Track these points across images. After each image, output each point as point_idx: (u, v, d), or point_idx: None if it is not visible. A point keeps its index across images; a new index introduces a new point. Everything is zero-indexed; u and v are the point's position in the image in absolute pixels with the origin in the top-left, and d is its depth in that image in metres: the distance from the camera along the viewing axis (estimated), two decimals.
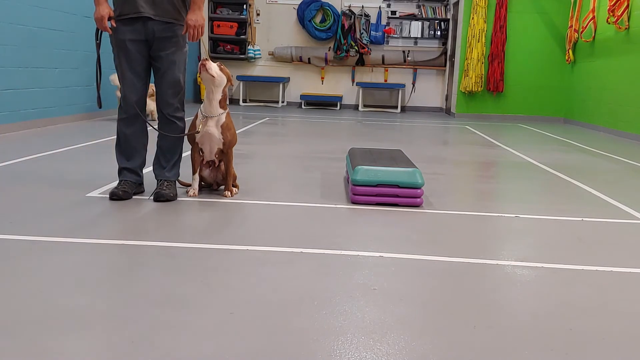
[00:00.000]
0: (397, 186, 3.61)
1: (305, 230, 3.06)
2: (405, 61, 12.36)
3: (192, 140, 3.65)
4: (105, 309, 1.99)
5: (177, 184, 3.84)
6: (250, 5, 12.26)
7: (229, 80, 3.62)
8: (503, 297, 2.26)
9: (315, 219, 3.30)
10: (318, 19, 12.36)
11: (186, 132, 3.68)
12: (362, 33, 12.23)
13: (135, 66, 3.49)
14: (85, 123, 7.64)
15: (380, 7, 12.33)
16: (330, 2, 12.24)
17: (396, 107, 12.48)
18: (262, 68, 12.70)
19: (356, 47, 12.19)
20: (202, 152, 3.68)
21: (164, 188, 3.55)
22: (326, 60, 12.39)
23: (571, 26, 10.45)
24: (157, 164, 3.68)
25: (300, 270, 2.46)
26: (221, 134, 3.59)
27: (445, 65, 12.38)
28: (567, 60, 10.69)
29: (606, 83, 9.21)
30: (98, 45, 3.54)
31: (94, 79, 7.98)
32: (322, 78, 12.65)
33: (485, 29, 10.86)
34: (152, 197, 3.56)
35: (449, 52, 12.19)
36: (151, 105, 6.75)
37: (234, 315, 1.98)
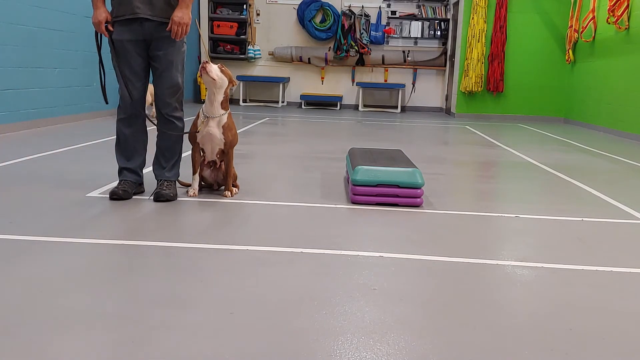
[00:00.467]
0: (397, 186, 3.61)
1: (305, 230, 3.06)
2: (405, 61, 12.36)
3: (193, 140, 3.65)
4: (105, 309, 1.99)
5: (177, 184, 3.84)
6: (250, 5, 12.26)
7: (230, 81, 3.62)
8: (503, 297, 2.26)
9: (315, 219, 3.30)
10: (318, 19, 12.35)
11: (188, 131, 3.68)
12: (362, 33, 12.23)
13: (134, 66, 3.50)
14: (86, 123, 7.64)
15: (380, 7, 12.33)
16: (330, 2, 12.24)
17: (396, 107, 12.48)
18: (262, 68, 12.70)
19: (356, 47, 12.19)
20: (204, 153, 3.68)
21: (164, 188, 3.55)
22: (326, 60, 12.39)
23: (571, 26, 10.45)
24: (156, 164, 3.68)
25: (300, 270, 2.46)
26: (222, 134, 3.59)
27: (445, 65, 12.38)
28: (567, 60, 10.69)
29: (606, 83, 9.21)
30: (99, 47, 3.55)
31: (94, 79, 8.01)
32: (322, 78, 12.65)
33: (485, 29, 10.87)
34: (152, 197, 3.56)
35: (449, 52, 12.19)
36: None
37: (234, 315, 1.98)
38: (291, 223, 3.19)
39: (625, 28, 8.41)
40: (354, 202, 3.67)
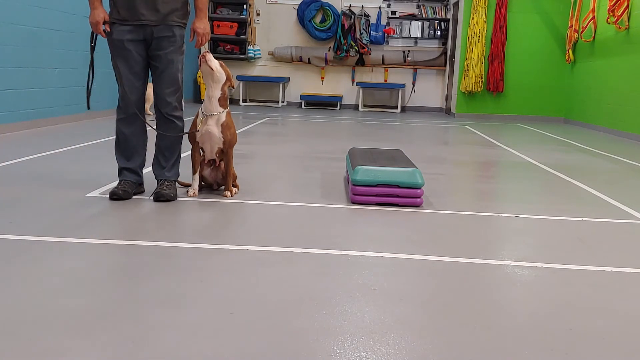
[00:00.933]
0: (397, 186, 3.61)
1: (305, 230, 3.06)
2: (405, 61, 12.36)
3: (192, 140, 3.65)
4: (105, 309, 1.99)
5: (177, 184, 3.84)
6: (250, 5, 12.26)
7: (229, 79, 3.61)
8: (503, 297, 2.26)
9: (315, 219, 3.30)
10: (318, 19, 12.36)
11: (187, 131, 3.68)
12: (362, 33, 12.23)
13: (134, 66, 3.49)
14: (86, 123, 7.64)
15: (380, 7, 12.33)
16: (330, 2, 12.24)
17: (396, 107, 12.48)
18: (262, 68, 12.70)
19: (356, 47, 12.19)
20: (203, 152, 3.68)
21: (164, 188, 3.55)
22: (326, 60, 12.39)
23: (571, 26, 10.45)
24: (156, 163, 3.68)
25: (300, 270, 2.46)
26: (221, 132, 3.59)
27: (445, 65, 12.38)
28: (567, 60, 10.69)
29: (606, 83, 9.21)
30: (92, 48, 3.55)
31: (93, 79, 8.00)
32: (322, 78, 12.65)
33: (485, 29, 10.87)
34: (152, 197, 3.56)
35: (449, 52, 12.19)
36: None
37: (234, 315, 1.98)
38: (291, 223, 3.19)
39: (625, 28, 8.41)
40: (354, 202, 3.67)
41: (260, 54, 12.58)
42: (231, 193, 3.71)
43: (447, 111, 12.24)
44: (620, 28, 8.50)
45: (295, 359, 1.71)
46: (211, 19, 12.32)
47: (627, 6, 8.31)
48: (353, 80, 12.63)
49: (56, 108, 7.29)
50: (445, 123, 10.06)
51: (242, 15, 12.25)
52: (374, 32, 12.24)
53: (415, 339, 1.87)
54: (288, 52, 12.42)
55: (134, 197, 3.60)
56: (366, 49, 12.20)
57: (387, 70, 12.57)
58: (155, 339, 1.79)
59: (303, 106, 12.46)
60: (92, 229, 2.92)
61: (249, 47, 12.42)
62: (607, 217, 3.59)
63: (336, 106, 12.56)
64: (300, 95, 12.41)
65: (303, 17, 12.22)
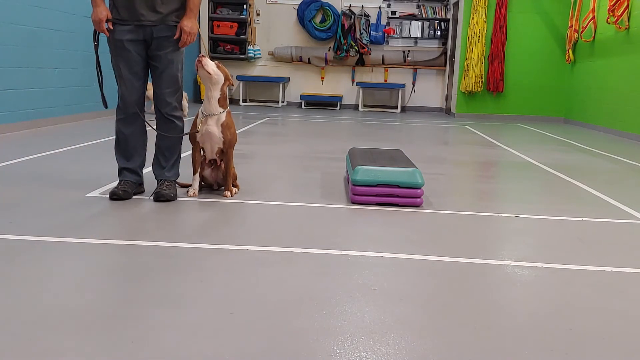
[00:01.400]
0: (397, 186, 3.61)
1: (305, 230, 3.06)
2: (405, 61, 12.36)
3: (193, 140, 3.64)
4: (105, 309, 1.99)
5: (177, 185, 3.85)
6: (250, 5, 12.26)
7: (227, 79, 3.61)
8: (503, 297, 2.26)
9: (315, 219, 3.30)
10: (318, 19, 12.36)
11: (188, 132, 3.68)
12: (362, 33, 12.23)
13: (134, 66, 3.49)
14: (85, 123, 7.64)
15: (380, 7, 12.33)
16: (330, 2, 12.24)
17: (396, 107, 12.48)
18: (262, 68, 12.71)
19: (356, 47, 12.19)
20: (204, 151, 3.68)
21: (164, 188, 3.55)
22: (326, 60, 12.39)
23: (571, 26, 10.45)
24: (156, 163, 3.68)
25: (300, 270, 2.46)
26: (221, 132, 3.58)
27: (445, 65, 12.38)
28: (567, 61, 10.70)
29: (606, 83, 9.21)
30: (96, 47, 3.55)
31: (93, 79, 8.00)
32: (322, 78, 12.65)
33: (485, 29, 10.87)
34: (152, 197, 3.56)
35: (449, 52, 12.19)
36: None
37: (234, 315, 1.98)
38: (291, 223, 3.19)
39: (625, 28, 8.41)
40: (354, 202, 3.67)
41: (260, 54, 12.58)
42: (231, 193, 3.71)
43: (447, 111, 12.24)
44: (620, 28, 8.50)
45: (295, 359, 1.71)
46: (211, 19, 12.33)
47: (627, 6, 8.31)
48: (353, 80, 12.63)
49: (56, 108, 7.29)
50: (445, 123, 10.06)
51: (242, 15, 12.25)
52: (374, 32, 12.24)
53: (415, 339, 1.87)
54: (288, 52, 12.42)
55: (134, 197, 3.60)
56: (366, 49, 12.20)
57: (387, 70, 12.57)
58: (155, 339, 1.79)
59: (303, 106, 12.46)
60: (92, 229, 2.92)
61: (249, 47, 12.42)
62: (607, 217, 3.59)
63: (336, 106, 12.56)
64: (300, 95, 12.41)
65: (303, 17, 12.22)
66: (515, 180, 4.76)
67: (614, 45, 8.90)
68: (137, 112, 3.55)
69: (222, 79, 3.58)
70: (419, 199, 3.64)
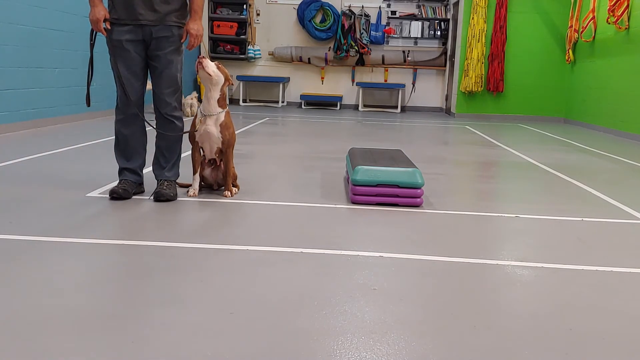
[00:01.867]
0: (397, 186, 3.61)
1: (305, 230, 3.06)
2: (405, 61, 12.36)
3: (192, 140, 3.65)
4: (105, 309, 1.99)
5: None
6: (250, 5, 12.26)
7: (227, 79, 3.62)
8: (503, 297, 2.26)
9: (315, 219, 3.30)
10: (318, 19, 12.36)
11: (186, 131, 3.68)
12: (362, 33, 12.23)
13: (133, 66, 3.49)
14: (85, 123, 7.64)
15: (380, 7, 12.33)
16: (330, 2, 12.24)
17: (396, 107, 12.48)
18: (262, 68, 12.70)
19: (356, 47, 12.19)
20: (203, 151, 3.68)
21: (164, 188, 3.55)
22: (326, 60, 12.39)
23: (571, 26, 10.45)
24: (156, 164, 3.67)
25: (300, 270, 2.46)
26: (220, 132, 3.58)
27: (445, 65, 12.38)
28: (567, 60, 10.70)
29: (606, 83, 9.21)
30: (92, 46, 3.53)
31: (94, 79, 8.00)
32: (322, 78, 12.65)
33: (485, 29, 10.87)
34: (152, 197, 3.56)
35: (449, 52, 12.19)
36: None
37: (234, 315, 1.98)
38: (291, 223, 3.19)
39: (625, 28, 8.41)
40: (354, 202, 3.67)
41: (260, 54, 12.58)
42: (231, 193, 3.71)
43: (447, 111, 12.24)
44: (620, 28, 8.50)
45: (295, 359, 1.71)
46: (211, 19, 12.33)
47: (627, 6, 8.31)
48: (353, 80, 12.63)
49: (56, 108, 7.29)
50: (445, 123, 10.06)
51: (242, 15, 12.25)
52: (374, 32, 12.24)
53: (415, 339, 1.87)
54: (288, 52, 12.42)
55: (134, 197, 3.59)
56: (366, 49, 12.20)
57: (387, 70, 12.57)
58: (155, 339, 1.79)
59: (303, 106, 12.46)
60: (92, 229, 2.92)
61: (249, 47, 12.42)
62: (607, 217, 3.59)
63: (336, 106, 12.56)
64: (300, 95, 12.41)
65: (303, 17, 12.22)
66: (515, 180, 4.76)
67: (614, 45, 8.90)
68: (136, 112, 3.55)
69: (222, 79, 3.58)
70: (419, 199, 3.64)
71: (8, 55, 6.26)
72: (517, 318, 2.06)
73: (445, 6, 12.33)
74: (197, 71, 3.53)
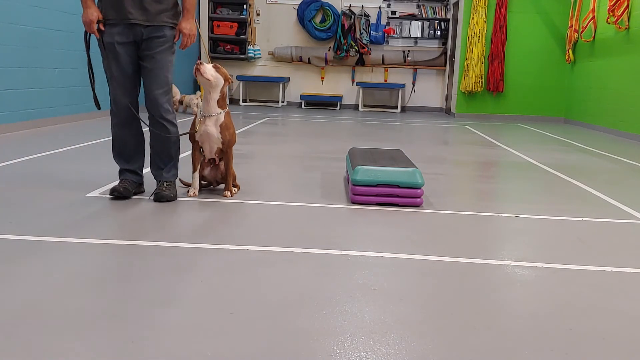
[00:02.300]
0: (397, 186, 3.61)
1: (305, 230, 3.06)
2: (405, 61, 12.36)
3: (192, 139, 3.64)
4: (105, 309, 1.99)
5: (179, 183, 3.85)
6: (250, 5, 12.27)
7: (226, 79, 3.61)
8: (503, 297, 2.26)
9: (315, 219, 3.30)
10: (318, 19, 12.36)
11: (186, 132, 3.68)
12: (362, 33, 12.23)
13: (126, 68, 3.45)
14: (85, 123, 7.64)
15: (380, 7, 12.33)
16: (330, 2, 12.24)
17: (396, 107, 12.48)
18: (262, 68, 12.71)
19: (356, 47, 12.19)
20: (203, 151, 3.68)
21: (164, 189, 3.54)
22: (326, 60, 12.39)
23: (571, 26, 10.45)
24: (154, 165, 3.66)
25: (300, 270, 2.46)
26: (220, 133, 3.58)
27: (445, 65, 12.38)
28: (567, 60, 10.70)
29: (606, 83, 9.21)
30: (88, 48, 3.49)
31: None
32: (322, 78, 12.65)
33: (485, 29, 10.87)
34: (152, 198, 3.56)
35: (449, 52, 12.19)
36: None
37: (234, 315, 1.98)
38: (291, 223, 3.19)
39: (625, 28, 8.41)
40: (354, 202, 3.67)
41: (260, 54, 12.58)
42: (231, 193, 3.71)
43: (447, 111, 12.24)
44: (620, 28, 8.50)
45: (295, 359, 1.71)
46: (211, 19, 12.33)
47: (627, 6, 8.31)
48: (353, 80, 12.63)
49: (56, 108, 7.29)
50: (445, 123, 10.06)
51: (242, 15, 12.25)
52: (374, 32, 12.24)
53: (415, 339, 1.87)
54: (288, 52, 12.42)
55: (133, 197, 3.59)
56: (366, 49, 12.21)
57: (387, 70, 12.57)
58: (155, 339, 1.79)
59: (303, 106, 12.46)
60: (92, 229, 2.92)
61: (249, 47, 12.42)
62: (607, 217, 3.59)
63: (336, 106, 12.56)
64: (300, 95, 12.41)
65: (303, 17, 12.22)
66: (515, 180, 4.76)
67: (614, 45, 8.90)
68: (131, 114, 3.50)
69: (221, 81, 3.57)
70: (419, 199, 3.64)
71: (8, 55, 6.27)
72: (517, 318, 2.06)
73: (445, 6, 12.33)
74: (196, 76, 3.51)
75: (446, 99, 12.43)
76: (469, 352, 1.79)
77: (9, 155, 4.93)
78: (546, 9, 10.86)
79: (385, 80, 12.60)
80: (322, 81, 12.67)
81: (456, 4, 11.81)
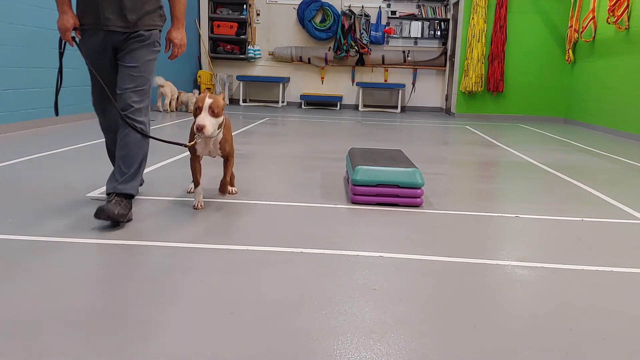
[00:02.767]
0: (397, 186, 3.61)
1: (305, 230, 3.06)
2: (405, 61, 12.36)
3: (192, 151, 3.49)
4: (105, 309, 1.99)
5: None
6: (250, 5, 12.27)
7: (225, 121, 3.39)
8: (503, 297, 2.26)
9: (315, 219, 3.30)
10: (318, 19, 12.36)
11: (184, 143, 3.60)
12: (362, 33, 12.23)
13: (109, 75, 3.23)
14: (85, 123, 7.64)
15: (380, 7, 12.33)
16: (330, 2, 12.25)
17: (396, 107, 12.48)
18: (262, 68, 12.71)
19: (356, 47, 12.19)
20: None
21: (112, 203, 2.95)
22: (326, 60, 12.39)
23: (571, 26, 10.45)
24: (111, 177, 3.15)
25: (300, 270, 2.46)
26: (219, 149, 3.44)
27: (445, 65, 12.38)
28: (567, 60, 10.70)
29: (606, 83, 9.21)
30: (61, 55, 3.20)
31: None
32: (322, 78, 12.65)
33: (485, 29, 10.87)
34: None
35: (449, 52, 12.19)
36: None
37: (234, 315, 1.98)
38: (291, 223, 3.19)
39: (625, 28, 8.41)
40: (354, 202, 3.67)
41: (260, 54, 12.58)
42: (233, 191, 3.77)
43: (447, 111, 12.24)
44: (620, 28, 8.50)
45: (295, 359, 1.71)
46: (211, 19, 12.34)
47: (627, 6, 8.31)
48: (353, 80, 12.63)
49: None
50: (445, 123, 10.06)
51: (242, 15, 12.25)
52: (374, 32, 12.24)
53: (415, 339, 1.87)
54: (288, 52, 12.42)
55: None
56: (366, 49, 12.21)
57: (387, 70, 12.57)
58: (155, 339, 1.79)
59: (303, 106, 12.46)
60: (92, 229, 2.92)
61: (249, 47, 12.42)
62: (607, 217, 3.59)
63: (336, 106, 12.56)
64: (300, 95, 12.41)
65: (303, 17, 12.22)
66: (515, 180, 4.76)
67: (614, 45, 8.90)
68: (118, 123, 3.26)
69: (221, 119, 3.30)
70: (419, 199, 3.64)
71: (8, 55, 6.27)
72: (517, 318, 2.06)
73: (445, 6, 12.33)
74: (197, 134, 3.26)
75: (446, 99, 12.43)
76: (469, 352, 1.79)
77: (9, 155, 4.93)
78: (546, 9, 10.86)
79: (385, 81, 12.60)
80: (322, 81, 12.67)
81: (456, 4, 11.81)
